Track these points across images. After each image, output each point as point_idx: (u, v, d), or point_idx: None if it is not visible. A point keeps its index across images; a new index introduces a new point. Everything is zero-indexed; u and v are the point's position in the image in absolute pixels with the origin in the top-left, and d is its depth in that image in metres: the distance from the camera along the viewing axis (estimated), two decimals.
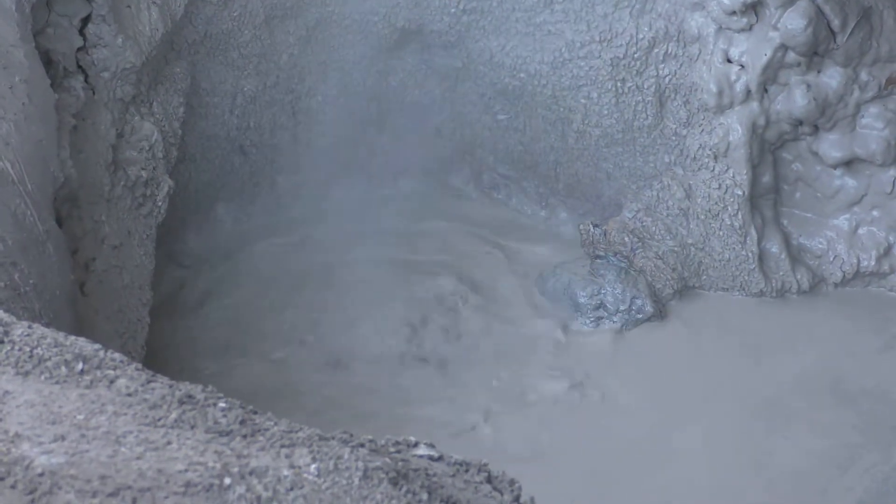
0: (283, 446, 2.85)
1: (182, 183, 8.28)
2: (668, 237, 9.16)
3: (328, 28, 8.98)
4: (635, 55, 8.93)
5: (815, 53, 8.70)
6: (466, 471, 3.42)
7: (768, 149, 9.00)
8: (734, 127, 8.81)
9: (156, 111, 8.05)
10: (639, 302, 8.91)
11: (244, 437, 2.87)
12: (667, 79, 8.93)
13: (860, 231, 9.22)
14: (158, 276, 7.90)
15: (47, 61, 7.10)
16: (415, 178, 9.43)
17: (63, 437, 2.67)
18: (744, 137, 8.80)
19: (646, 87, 8.99)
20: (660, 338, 8.88)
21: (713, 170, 8.95)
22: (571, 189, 9.72)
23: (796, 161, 9.17)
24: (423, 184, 9.51)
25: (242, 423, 2.96)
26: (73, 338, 3.28)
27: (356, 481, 2.75)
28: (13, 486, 2.48)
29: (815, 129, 8.97)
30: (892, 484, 7.78)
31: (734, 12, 8.59)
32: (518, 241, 9.64)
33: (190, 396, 3.04)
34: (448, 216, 9.54)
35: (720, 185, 8.95)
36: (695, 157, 9.00)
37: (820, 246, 9.28)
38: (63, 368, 3.02)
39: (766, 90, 8.78)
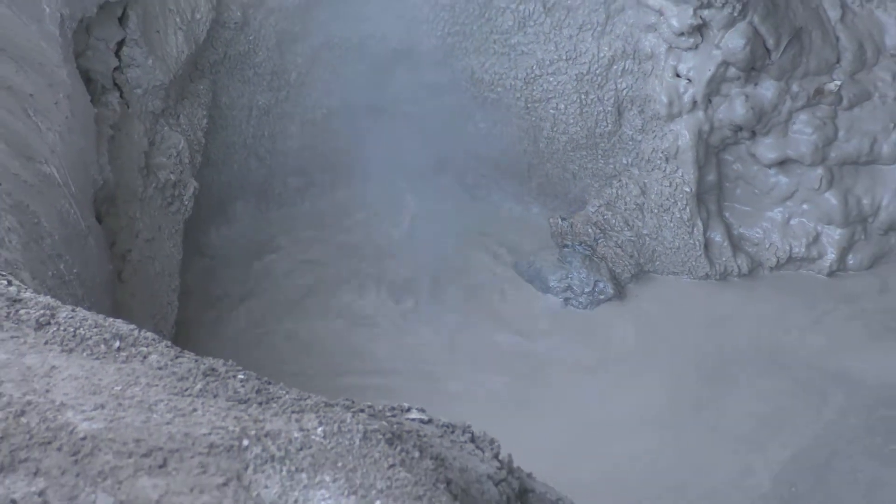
0: (293, 412, 2.84)
1: (205, 184, 8.26)
2: (626, 228, 9.15)
3: (331, 49, 8.96)
4: (597, 71, 8.91)
5: (752, 68, 8.69)
6: (452, 432, 3.40)
7: (712, 151, 8.99)
8: (682, 133, 8.80)
9: (182, 122, 8.03)
10: (601, 285, 8.91)
11: (260, 404, 2.86)
12: (624, 91, 8.91)
13: (792, 222, 9.22)
14: (185, 265, 7.88)
15: (87, 80, 7.08)
16: (408, 178, 9.41)
17: (102, 406, 2.66)
18: (691, 142, 8.79)
19: (606, 99, 8.97)
20: (620, 315, 8.89)
21: (665, 170, 8.94)
22: (542, 187, 9.70)
23: (736, 162, 9.17)
24: (416, 183, 9.48)
25: (258, 392, 2.95)
26: (111, 319, 3.26)
27: (357, 442, 2.74)
28: (59, 449, 2.47)
29: (753, 134, 8.97)
30: (821, 440, 7.78)
31: (682, 33, 8.58)
32: (496, 231, 9.63)
33: (213, 369, 3.03)
34: (437, 211, 9.51)
35: (671, 183, 8.95)
36: (649, 159, 8.99)
37: (757, 235, 9.28)
38: (102, 346, 3.01)
39: (710, 101, 8.77)
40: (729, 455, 7.62)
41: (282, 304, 8.70)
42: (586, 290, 8.91)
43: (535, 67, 9.06)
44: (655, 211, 9.06)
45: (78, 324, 3.12)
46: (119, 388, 2.76)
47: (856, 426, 7.89)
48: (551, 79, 9.04)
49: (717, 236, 9.12)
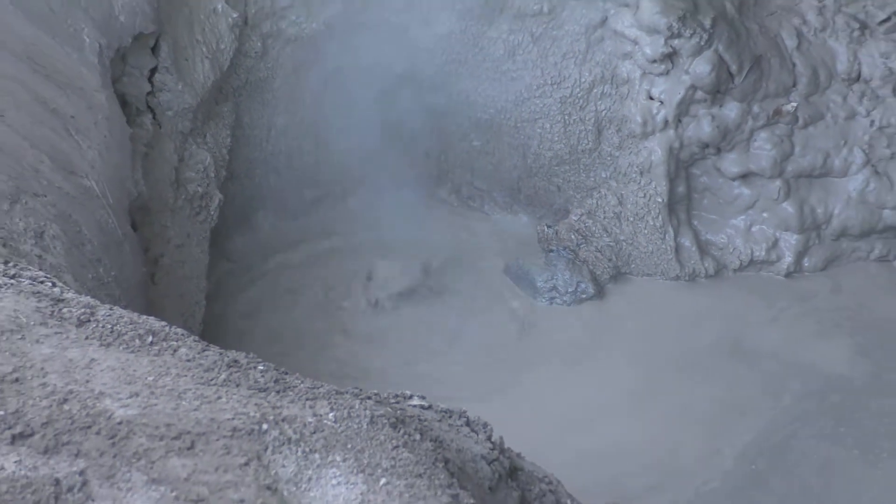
0: (307, 399, 2.84)
1: (229, 196, 8.26)
2: (605, 235, 9.14)
3: (342, 75, 8.96)
4: (579, 94, 8.92)
5: (717, 91, 8.70)
6: (450, 417, 3.41)
7: (682, 166, 8.99)
8: (655, 149, 8.80)
9: (208, 141, 8.03)
10: (583, 285, 8.90)
11: (277, 392, 2.86)
12: (603, 112, 8.92)
13: (753, 229, 9.22)
14: (211, 269, 7.88)
15: (123, 102, 7.08)
16: (411, 190, 9.41)
17: (137, 394, 2.66)
18: (663, 157, 8.79)
19: (587, 119, 8.98)
20: (599, 312, 8.88)
21: (639, 182, 8.94)
22: (530, 198, 9.70)
23: (704, 175, 9.17)
24: (417, 194, 9.49)
25: (276, 381, 2.95)
26: (144, 317, 3.26)
27: (364, 426, 2.74)
28: (98, 433, 2.47)
29: (718, 150, 8.97)
30: (779, 424, 7.78)
31: (655, 60, 8.58)
32: (489, 238, 9.63)
33: (235, 361, 3.03)
34: (436, 219, 9.52)
35: (645, 194, 8.94)
36: (625, 173, 8.99)
37: (722, 240, 9.28)
38: (137, 341, 3.01)
39: (680, 121, 8.77)
40: (697, 437, 7.61)
41: (299, 303, 8.70)
42: (570, 289, 8.91)
43: (523, 91, 9.07)
44: (631, 219, 9.06)
45: (115, 321, 3.12)
46: (152, 378, 2.77)
47: (810, 411, 7.89)
48: (538, 101, 9.05)
49: (687, 241, 9.12)
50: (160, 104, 7.49)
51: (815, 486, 7.27)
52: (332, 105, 9.04)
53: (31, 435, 2.41)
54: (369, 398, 3.08)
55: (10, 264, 3.65)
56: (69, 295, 3.29)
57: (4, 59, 5.95)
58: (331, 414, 2.75)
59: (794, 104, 8.95)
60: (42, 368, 2.69)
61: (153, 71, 7.50)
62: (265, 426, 2.61)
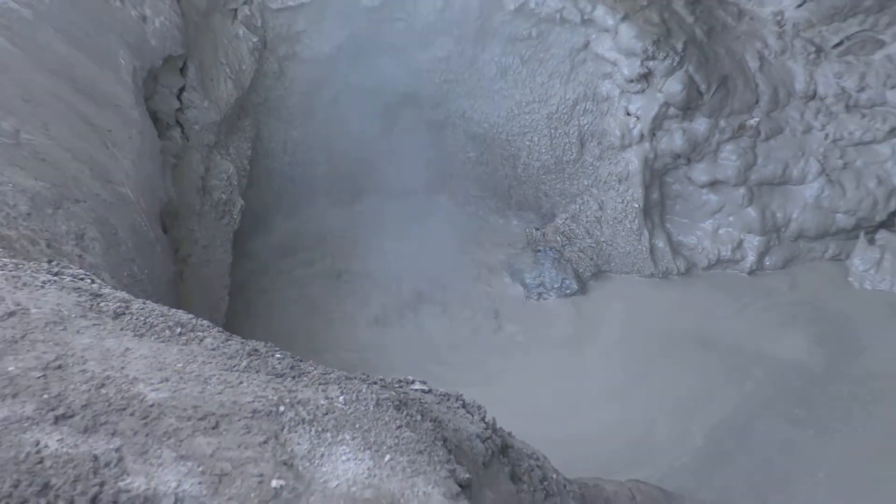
0: (320, 384, 2.84)
1: (250, 202, 8.26)
2: (587, 237, 9.15)
3: (350, 94, 8.96)
4: (563, 111, 8.92)
5: (688, 108, 8.70)
6: (448, 399, 3.41)
7: (656, 175, 9.00)
8: (632, 160, 8.81)
9: (231, 153, 8.03)
10: (567, 282, 8.91)
11: (293, 377, 2.86)
12: (585, 127, 8.92)
13: (720, 231, 9.23)
14: (234, 267, 7.88)
15: (155, 118, 7.08)
16: (413, 196, 9.42)
17: (167, 379, 2.66)
18: (639, 167, 8.80)
19: (571, 133, 8.98)
20: (583, 306, 8.89)
21: (618, 190, 8.94)
22: (520, 204, 9.71)
23: (676, 183, 9.18)
24: (418, 201, 9.49)
25: (292, 368, 2.95)
26: (174, 310, 3.26)
27: (371, 407, 2.74)
28: (132, 414, 2.46)
29: (689, 160, 8.98)
30: (743, 406, 7.78)
31: (632, 80, 8.59)
32: (483, 240, 9.64)
33: (255, 350, 3.03)
34: (436, 223, 9.53)
35: (623, 200, 8.95)
36: (605, 181, 8.99)
37: (692, 241, 9.29)
38: (167, 331, 3.01)
39: (654, 134, 8.78)
40: (670, 418, 7.62)
41: (313, 297, 8.71)
42: (556, 286, 8.92)
43: (513, 108, 9.07)
44: (610, 223, 9.07)
45: (147, 314, 3.12)
46: (180, 365, 2.76)
47: (770, 395, 7.90)
48: (527, 117, 9.06)
49: (660, 243, 9.13)
50: (188, 119, 7.49)
51: (776, 462, 7.28)
52: (341, 120, 9.06)
53: (72, 416, 2.41)
54: (375, 383, 3.08)
55: (54, 263, 3.65)
56: (106, 290, 3.30)
57: (49, 79, 5.95)
58: (341, 397, 2.75)
59: (757, 119, 8.95)
60: (82, 356, 2.69)
61: (181, 90, 7.50)
62: (282, 408, 2.61)
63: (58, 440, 2.31)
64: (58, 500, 2.14)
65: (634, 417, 7.61)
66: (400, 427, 2.70)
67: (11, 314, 2.88)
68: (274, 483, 2.33)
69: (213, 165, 7.73)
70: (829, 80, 9.04)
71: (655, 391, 7.90)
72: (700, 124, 8.83)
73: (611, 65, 8.65)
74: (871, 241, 9.21)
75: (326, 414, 2.64)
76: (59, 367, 2.63)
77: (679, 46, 8.55)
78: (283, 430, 2.52)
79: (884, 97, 8.99)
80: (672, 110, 8.71)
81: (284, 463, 2.41)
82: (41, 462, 2.23)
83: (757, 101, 8.97)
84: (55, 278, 3.29)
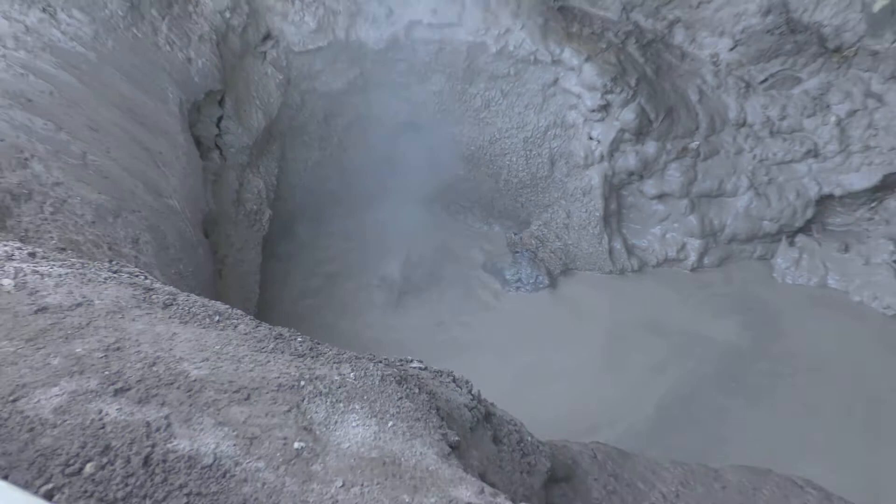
0: (334, 363, 2.84)
1: (277, 212, 8.25)
2: (557, 240, 9.15)
3: (361, 122, 8.96)
4: (537, 136, 8.92)
5: (640, 133, 8.71)
6: (441, 375, 3.41)
7: (614, 189, 9.00)
8: (594, 177, 8.81)
9: (261, 171, 8.03)
10: (541, 278, 8.92)
11: (312, 357, 2.86)
12: (555, 149, 8.92)
13: (667, 235, 9.24)
14: (263, 266, 7.88)
15: (198, 142, 7.08)
16: (412, 207, 9.41)
17: (207, 359, 2.66)
18: (599, 183, 8.80)
19: (543, 154, 8.98)
20: (553, 298, 8.90)
21: (583, 201, 8.95)
22: (501, 213, 9.71)
23: (630, 196, 9.18)
24: (417, 211, 9.48)
25: (311, 349, 2.95)
26: (213, 301, 3.27)
27: (377, 382, 2.75)
28: (178, 388, 2.47)
29: (641, 177, 8.99)
30: (687, 380, 7.79)
31: (594, 110, 8.59)
32: (470, 243, 9.63)
33: (280, 334, 3.03)
34: (431, 228, 9.52)
35: (587, 210, 8.95)
36: (572, 194, 9.00)
37: (644, 244, 9.29)
38: (207, 319, 3.01)
39: (612, 155, 8.78)
40: (625, 391, 7.63)
41: (328, 291, 8.70)
42: (531, 281, 8.92)
43: (496, 133, 9.07)
44: (576, 228, 9.07)
45: (191, 304, 3.13)
46: (218, 347, 2.77)
47: (708, 371, 7.92)
48: (507, 141, 9.06)
49: (618, 245, 9.13)
50: (225, 143, 7.49)
51: (713, 427, 7.30)
52: (352, 144, 9.06)
53: (129, 389, 2.41)
54: (380, 362, 3.09)
55: (114, 262, 3.65)
56: (157, 285, 3.30)
57: (111, 111, 5.95)
58: (351, 374, 2.76)
59: (697, 143, 8.97)
60: (137, 340, 2.70)
61: (220, 118, 7.51)
62: (302, 383, 2.61)
63: (117, 409, 2.31)
64: (117, 459, 2.14)
65: (595, 390, 7.61)
66: (401, 398, 2.70)
67: (79, 305, 2.88)
68: (296, 445, 2.33)
69: (246, 181, 7.73)
70: (757, 111, 9.06)
71: (613, 368, 7.91)
72: (650, 147, 8.83)
73: (576, 97, 8.66)
74: (792, 244, 9.23)
75: (339, 387, 2.64)
76: (118, 348, 2.63)
77: (632, 82, 8.56)
78: (303, 401, 2.53)
79: (801, 124, 9.01)
80: (627, 135, 8.71)
81: (305, 428, 2.41)
82: (103, 427, 2.24)
83: (697, 128, 8.98)
84: (115, 275, 3.29)
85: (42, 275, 3.09)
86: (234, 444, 2.27)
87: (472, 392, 3.36)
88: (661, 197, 9.08)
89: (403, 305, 8.59)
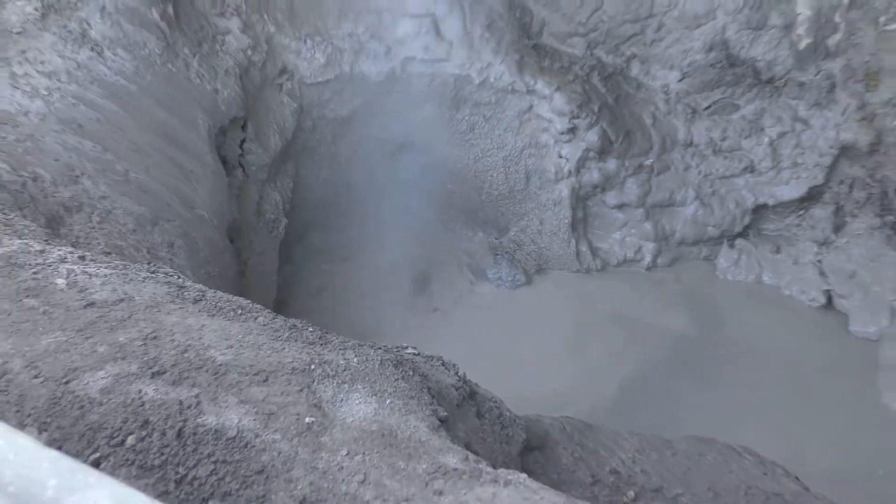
0: (340, 349, 2.85)
1: (292, 222, 8.24)
2: (532, 244, 9.18)
3: (364, 144, 8.95)
4: (514, 154, 8.95)
5: (603, 152, 8.75)
6: (432, 359, 3.42)
7: (580, 200, 9.04)
8: (563, 190, 8.84)
9: (278, 186, 8.02)
10: (518, 276, 8.93)
11: (321, 344, 2.87)
12: (530, 166, 8.95)
13: (626, 239, 9.27)
14: (280, 269, 7.87)
15: (224, 161, 7.08)
16: (410, 217, 9.38)
17: (231, 346, 2.67)
18: (568, 195, 8.84)
19: (520, 170, 9.01)
20: (529, 293, 8.91)
21: (554, 210, 8.97)
22: (484, 221, 9.71)
23: (594, 206, 9.21)
24: (413, 220, 9.46)
25: (320, 338, 2.96)
26: (237, 298, 3.27)
27: (377, 366, 2.76)
28: (206, 371, 2.47)
29: (604, 189, 9.02)
30: (643, 366, 7.80)
31: (563, 133, 8.63)
32: (458, 247, 9.63)
33: (294, 325, 3.04)
34: (426, 235, 9.51)
35: (557, 218, 8.98)
36: (545, 205, 9.02)
37: (606, 247, 9.32)
38: (231, 312, 3.02)
39: (579, 171, 8.81)
40: (591, 373, 7.65)
41: (337, 286, 8.70)
42: (510, 279, 8.94)
43: (479, 153, 9.09)
44: (548, 234, 9.10)
45: (218, 300, 3.13)
46: (241, 336, 2.77)
47: (662, 357, 7.94)
48: (488, 159, 9.08)
49: (584, 248, 9.16)
50: (247, 162, 7.50)
51: (666, 404, 7.32)
52: (357, 163, 9.04)
53: (164, 372, 2.42)
54: (380, 348, 3.09)
55: (151, 264, 3.66)
56: (188, 284, 3.30)
57: (149, 135, 5.96)
58: (355, 358, 2.77)
59: (651, 160, 9.01)
60: (171, 330, 2.71)
61: (243, 141, 7.51)
62: (313, 366, 2.62)
63: (154, 389, 2.32)
64: (154, 432, 2.15)
65: (565, 372, 7.63)
66: (397, 379, 2.71)
67: (121, 300, 2.89)
68: (307, 419, 2.34)
69: (266, 195, 7.73)
70: (702, 133, 9.11)
71: (581, 354, 7.93)
72: (611, 164, 8.87)
73: (548, 122, 8.69)
74: (732, 246, 9.27)
75: (345, 370, 2.65)
76: (155, 337, 2.64)
77: (596, 109, 8.60)
78: (313, 382, 2.54)
79: (740, 145, 9.06)
80: (591, 154, 8.75)
81: (315, 405, 2.42)
82: (142, 405, 2.25)
83: (651, 148, 9.03)
84: (152, 275, 3.30)
85: (90, 275, 3.10)
86: (255, 419, 2.28)
87: (459, 374, 3.37)
88: (620, 207, 9.12)
89: (401, 300, 8.59)
